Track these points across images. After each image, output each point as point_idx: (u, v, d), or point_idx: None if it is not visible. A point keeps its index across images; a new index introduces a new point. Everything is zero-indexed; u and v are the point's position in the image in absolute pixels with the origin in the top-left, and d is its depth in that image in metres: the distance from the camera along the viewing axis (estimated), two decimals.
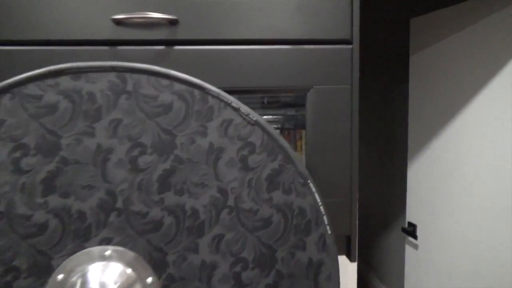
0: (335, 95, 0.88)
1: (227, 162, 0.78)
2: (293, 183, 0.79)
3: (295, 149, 1.08)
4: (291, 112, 1.07)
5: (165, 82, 0.79)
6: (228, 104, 0.79)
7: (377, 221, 3.24)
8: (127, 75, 0.78)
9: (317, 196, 0.78)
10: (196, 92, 0.80)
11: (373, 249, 3.40)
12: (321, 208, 0.78)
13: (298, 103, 1.07)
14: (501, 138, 1.67)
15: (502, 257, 1.68)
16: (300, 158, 0.80)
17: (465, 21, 1.83)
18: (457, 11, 1.87)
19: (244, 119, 0.79)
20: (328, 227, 0.78)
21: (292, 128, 1.07)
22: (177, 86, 0.79)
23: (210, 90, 0.80)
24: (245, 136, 0.79)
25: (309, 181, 0.79)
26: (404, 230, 2.33)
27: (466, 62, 1.85)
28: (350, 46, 0.86)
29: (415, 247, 2.28)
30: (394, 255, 2.96)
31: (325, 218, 0.78)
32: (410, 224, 2.30)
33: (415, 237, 2.24)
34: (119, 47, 0.88)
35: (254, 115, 0.79)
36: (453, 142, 1.96)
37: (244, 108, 0.79)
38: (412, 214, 2.28)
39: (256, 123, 0.79)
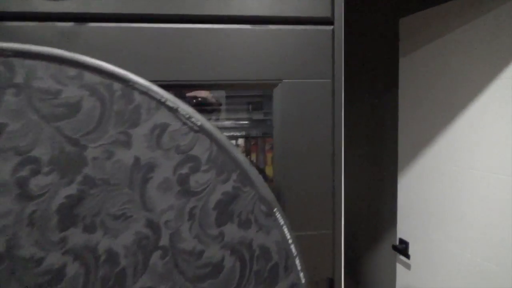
0: (311, 92, 0.67)
1: (160, 185, 0.56)
2: (253, 213, 0.57)
3: (265, 163, 0.87)
4: (258, 116, 0.86)
5: (71, 72, 0.57)
6: (161, 103, 0.57)
7: (366, 236, 3.05)
8: (16, 61, 0.55)
9: (286, 230, 0.57)
10: (117, 86, 0.58)
11: (361, 267, 3.19)
12: (292, 247, 0.57)
13: (267, 104, 0.87)
14: (497, 148, 1.51)
15: (499, 277, 1.51)
16: (261, 178, 0.59)
17: (457, 20, 1.68)
18: (448, 9, 1.72)
19: (185, 123, 0.58)
20: (301, 274, 0.56)
21: (260, 136, 0.85)
22: (89, 78, 0.57)
23: (137, 84, 0.58)
24: (185, 147, 0.58)
25: (275, 209, 0.57)
26: (395, 248, 2.14)
27: (460, 64, 1.69)
28: (331, 27, 0.66)
29: (407, 266, 2.09)
30: (384, 275, 2.76)
31: (297, 261, 0.56)
32: (401, 241, 2.11)
33: (407, 256, 2.05)
34: (8, 23, 0.64)
35: (198, 119, 0.58)
36: (446, 152, 1.79)
37: (185, 109, 0.58)
38: (403, 230, 2.09)
39: (201, 129, 0.58)
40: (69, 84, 0.56)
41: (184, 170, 0.57)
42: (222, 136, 0.59)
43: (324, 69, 0.64)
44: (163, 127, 0.57)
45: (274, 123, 0.65)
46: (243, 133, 0.87)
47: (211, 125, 0.58)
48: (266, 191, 0.57)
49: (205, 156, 0.57)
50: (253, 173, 0.57)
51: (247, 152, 0.86)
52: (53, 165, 0.54)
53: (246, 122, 0.87)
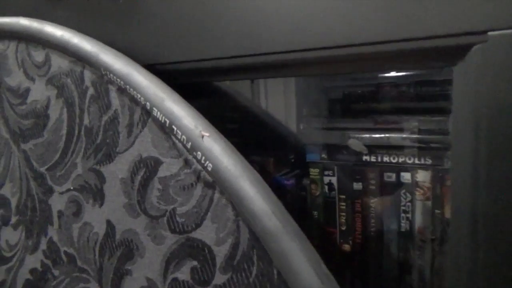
0: None
1: None
2: None
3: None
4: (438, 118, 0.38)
5: (39, 56, 0.34)
6: (148, 112, 0.27)
7: None
8: None
9: None
10: (89, 77, 0.31)
11: None
12: None
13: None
14: None
15: None
16: None
17: None
18: None
19: (188, 164, 0.25)
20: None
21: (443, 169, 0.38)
22: (56, 64, 0.32)
23: (114, 72, 0.29)
24: (186, 220, 0.25)
25: None
26: None
27: None
28: None
29: None
30: None
31: None
32: None
33: None
34: None
35: (211, 155, 0.23)
36: None
37: (187, 126, 0.25)
38: None
39: (218, 180, 0.24)
40: (36, 79, 0.34)
41: (183, 276, 0.25)
42: (268, 197, 0.22)
43: None
44: (151, 166, 0.27)
45: (455, 122, 0.21)
46: (427, 160, 0.41)
47: (244, 165, 0.23)
48: None
49: (222, 250, 0.24)
50: None
51: (437, 203, 0.41)
52: (20, 214, 0.34)
53: (430, 136, 0.41)
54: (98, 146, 0.30)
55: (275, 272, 0.21)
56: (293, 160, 0.55)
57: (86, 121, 0.30)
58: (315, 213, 0.51)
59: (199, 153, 0.24)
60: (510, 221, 0.20)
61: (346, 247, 0.49)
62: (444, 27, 0.19)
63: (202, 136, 0.24)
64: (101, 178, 0.29)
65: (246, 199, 0.22)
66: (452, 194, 0.22)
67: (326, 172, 0.50)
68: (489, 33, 0.18)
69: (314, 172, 0.50)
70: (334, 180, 0.49)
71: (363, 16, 0.21)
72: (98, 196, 0.29)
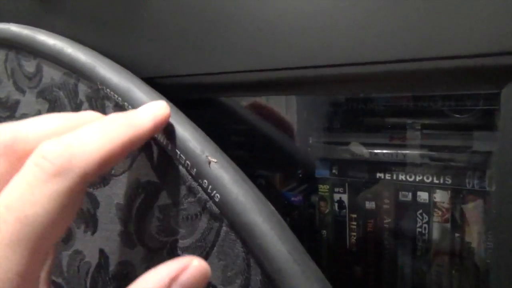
0: None
1: None
2: None
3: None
4: (480, 142, 0.35)
5: (30, 66, 0.32)
6: (152, 139, 0.24)
7: None
8: None
9: None
10: (83, 90, 0.28)
11: None
12: None
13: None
14: None
15: None
16: None
17: None
18: None
19: (192, 191, 0.23)
20: None
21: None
22: (48, 75, 0.30)
23: (111, 86, 0.27)
24: (191, 250, 0.23)
25: None
26: None
27: None
28: None
29: None
30: None
31: None
32: None
33: None
34: None
35: (218, 183, 0.21)
36: None
37: (193, 151, 0.22)
38: None
39: (226, 213, 0.21)
40: (26, 91, 0.32)
41: None
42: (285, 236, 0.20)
43: None
44: (151, 192, 0.24)
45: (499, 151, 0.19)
46: (447, 180, 0.38)
47: (257, 197, 0.20)
48: None
49: None
50: None
51: (456, 225, 0.38)
52: None
53: (452, 155, 0.39)
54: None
55: None
56: (301, 175, 0.52)
57: None
58: (324, 232, 0.48)
59: (205, 181, 0.21)
60: None
61: (357, 270, 0.47)
62: (491, 44, 0.16)
63: (209, 162, 0.22)
64: (94, 202, 0.26)
65: (258, 237, 0.19)
66: (496, 223, 0.20)
67: (336, 189, 0.47)
68: None
69: (323, 188, 0.48)
70: (344, 197, 0.46)
71: (393, 29, 0.19)
72: (91, 222, 0.27)
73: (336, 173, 0.47)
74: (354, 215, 0.45)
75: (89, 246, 0.27)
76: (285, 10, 0.23)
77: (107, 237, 0.26)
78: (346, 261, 0.47)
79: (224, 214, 0.21)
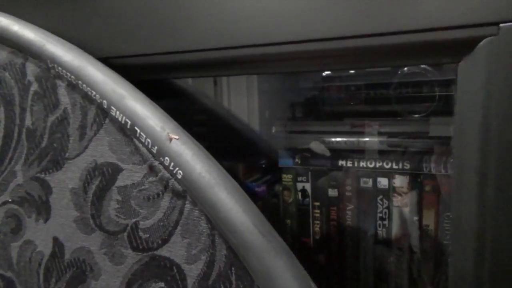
0: None
1: None
2: None
3: None
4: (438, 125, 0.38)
5: None
6: (105, 111, 0.24)
7: None
8: None
9: None
10: (32, 70, 0.28)
11: None
12: None
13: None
14: None
15: None
16: None
17: None
18: None
19: (153, 170, 0.23)
20: None
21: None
22: None
23: (63, 64, 0.26)
24: (152, 235, 0.23)
25: None
26: None
27: None
28: None
29: None
30: None
31: None
32: None
33: None
34: None
35: (180, 161, 0.22)
36: None
37: (152, 128, 0.23)
38: None
39: (190, 190, 0.22)
40: None
41: None
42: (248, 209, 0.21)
43: None
44: (108, 174, 0.24)
45: (457, 122, 0.20)
46: (405, 165, 0.41)
47: (220, 172, 0.21)
48: None
49: (195, 269, 0.22)
50: None
51: (417, 213, 0.41)
52: None
53: (412, 139, 0.42)
54: (43, 151, 0.26)
55: None
56: (264, 166, 0.53)
57: (28, 122, 0.27)
58: (288, 221, 0.50)
59: (167, 158, 0.22)
60: None
61: (321, 257, 0.48)
62: (450, 19, 0.18)
63: (170, 139, 0.22)
64: (46, 188, 0.26)
65: (223, 211, 0.20)
66: (454, 203, 0.22)
67: (299, 178, 0.49)
68: (501, 25, 0.17)
69: (286, 178, 0.49)
70: (308, 186, 0.48)
71: (354, 6, 0.21)
72: (43, 210, 0.26)
73: (299, 162, 0.48)
74: (317, 203, 0.47)
75: (41, 235, 0.26)
76: None
77: (61, 224, 0.25)
78: (310, 249, 0.48)
79: (188, 191, 0.21)
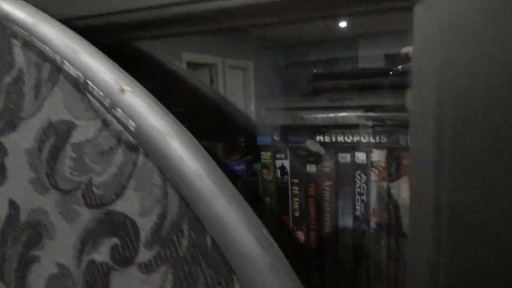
0: None
1: (53, 279, 0.24)
2: None
3: None
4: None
5: None
6: (59, 69, 0.24)
7: None
8: None
9: None
10: None
11: None
12: None
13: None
14: None
15: None
16: None
17: None
18: None
19: (106, 124, 0.22)
20: None
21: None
22: None
23: (16, 21, 0.26)
24: (106, 190, 0.23)
25: None
26: None
27: None
28: None
29: None
30: None
31: None
32: None
33: None
34: None
35: (133, 111, 0.21)
36: None
37: (106, 82, 0.22)
38: None
39: (144, 141, 0.21)
40: None
41: (102, 257, 0.22)
42: (202, 158, 0.20)
43: None
44: (63, 131, 0.24)
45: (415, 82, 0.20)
46: (382, 138, 0.41)
47: (172, 122, 0.21)
48: None
49: (148, 222, 0.21)
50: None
51: (395, 187, 0.41)
52: None
53: (385, 113, 0.42)
54: (1, 114, 0.26)
55: (208, 241, 0.19)
56: (243, 144, 0.53)
57: None
58: (267, 199, 0.49)
59: (119, 110, 0.21)
60: (475, 208, 0.19)
61: (300, 234, 0.48)
62: None
63: (123, 90, 0.22)
64: (1, 150, 0.25)
65: (174, 159, 0.20)
66: (411, 177, 0.21)
67: (278, 155, 0.48)
68: None
69: (265, 155, 0.49)
70: (286, 163, 0.48)
71: None
72: None
73: (278, 139, 0.48)
74: (296, 180, 0.47)
75: None
76: None
77: (17, 186, 0.25)
78: (290, 227, 0.48)
79: (140, 143, 0.21)
